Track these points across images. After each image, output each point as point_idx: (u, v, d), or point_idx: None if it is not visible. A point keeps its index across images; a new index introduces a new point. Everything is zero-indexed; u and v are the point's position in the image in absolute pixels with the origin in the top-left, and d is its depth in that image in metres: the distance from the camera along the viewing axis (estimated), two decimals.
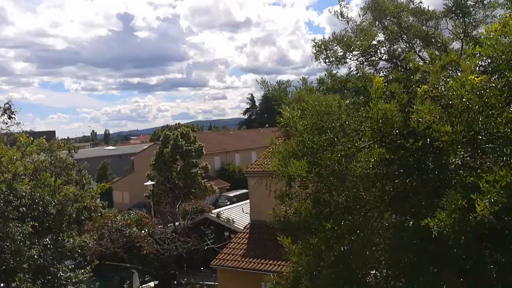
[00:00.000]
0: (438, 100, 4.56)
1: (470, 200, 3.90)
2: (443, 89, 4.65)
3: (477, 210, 3.76)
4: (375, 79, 5.27)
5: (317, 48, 7.68)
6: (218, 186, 36.12)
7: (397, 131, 5.11)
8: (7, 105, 13.87)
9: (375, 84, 5.15)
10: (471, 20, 6.79)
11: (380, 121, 5.07)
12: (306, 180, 5.52)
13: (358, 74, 7.22)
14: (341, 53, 7.51)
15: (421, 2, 7.35)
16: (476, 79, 4.18)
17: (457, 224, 4.03)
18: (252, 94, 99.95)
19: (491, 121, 4.40)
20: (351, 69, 7.65)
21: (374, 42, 7.33)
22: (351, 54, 7.39)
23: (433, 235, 4.07)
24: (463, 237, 4.35)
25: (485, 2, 6.76)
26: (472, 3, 6.74)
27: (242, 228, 21.02)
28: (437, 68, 4.78)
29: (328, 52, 7.61)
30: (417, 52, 7.27)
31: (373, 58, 7.44)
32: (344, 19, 7.57)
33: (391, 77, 6.53)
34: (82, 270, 12.66)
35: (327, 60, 7.63)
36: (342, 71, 7.90)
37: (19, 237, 10.56)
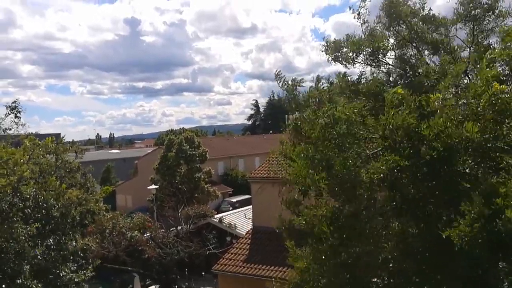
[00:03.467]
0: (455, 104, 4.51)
1: (491, 207, 3.75)
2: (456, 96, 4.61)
3: (507, 216, 3.59)
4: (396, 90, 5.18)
5: (327, 47, 7.64)
6: (221, 191, 36.05)
7: (406, 137, 5.06)
8: (14, 104, 13.85)
9: (392, 94, 5.08)
10: (481, 29, 6.74)
11: (388, 128, 5.02)
12: (322, 190, 5.46)
13: (370, 78, 7.15)
14: (351, 54, 7.45)
15: (431, 9, 7.32)
16: (497, 85, 4.14)
17: (479, 234, 3.85)
18: (256, 100, 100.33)
19: (500, 129, 4.37)
20: (363, 72, 7.58)
21: (382, 45, 7.28)
22: (361, 55, 7.33)
23: (440, 242, 3.96)
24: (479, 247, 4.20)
25: (496, 11, 6.70)
26: (483, 11, 6.69)
27: (244, 233, 20.96)
28: (458, 70, 4.71)
29: (338, 53, 7.56)
30: (425, 58, 7.23)
31: (382, 61, 7.38)
32: (360, 21, 7.51)
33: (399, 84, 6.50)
34: (84, 271, 12.59)
35: (337, 61, 7.58)
36: (352, 74, 7.83)
37: (23, 238, 10.52)
